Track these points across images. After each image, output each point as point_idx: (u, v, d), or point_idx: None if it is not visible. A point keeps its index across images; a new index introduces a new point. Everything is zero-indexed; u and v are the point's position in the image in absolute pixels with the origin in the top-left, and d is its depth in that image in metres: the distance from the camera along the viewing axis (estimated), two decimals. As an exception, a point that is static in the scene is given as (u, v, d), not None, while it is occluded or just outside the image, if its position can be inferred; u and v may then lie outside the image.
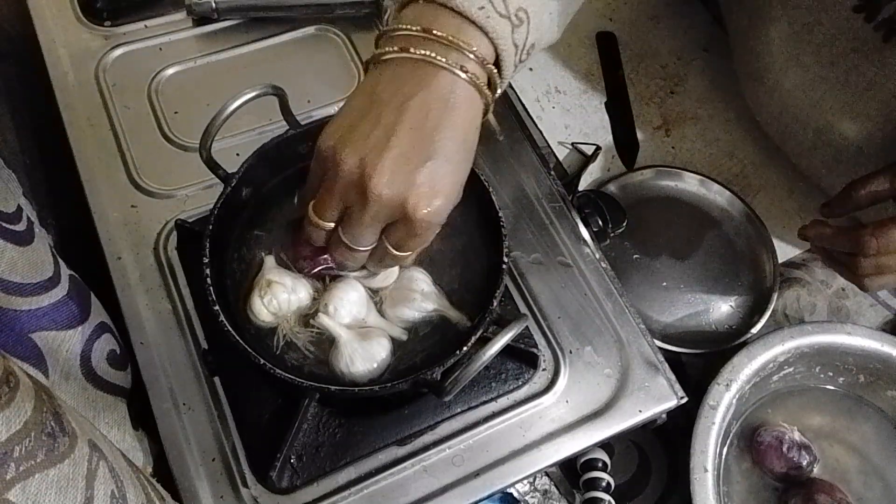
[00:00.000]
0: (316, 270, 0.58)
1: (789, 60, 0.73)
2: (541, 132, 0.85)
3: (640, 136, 0.86)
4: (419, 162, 0.45)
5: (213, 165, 0.57)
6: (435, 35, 0.46)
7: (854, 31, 0.65)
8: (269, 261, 0.58)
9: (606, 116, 0.87)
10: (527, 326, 0.62)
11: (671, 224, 0.80)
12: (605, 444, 0.64)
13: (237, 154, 0.67)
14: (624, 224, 0.71)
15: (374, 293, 0.59)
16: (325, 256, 0.58)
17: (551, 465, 0.59)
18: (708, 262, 0.78)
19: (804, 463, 0.68)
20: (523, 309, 0.64)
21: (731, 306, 0.76)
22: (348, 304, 0.56)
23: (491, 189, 0.58)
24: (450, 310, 0.58)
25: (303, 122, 0.61)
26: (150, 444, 0.57)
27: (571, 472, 0.69)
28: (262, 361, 0.51)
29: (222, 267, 0.59)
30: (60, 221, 0.65)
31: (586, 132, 0.86)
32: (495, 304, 0.54)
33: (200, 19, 0.77)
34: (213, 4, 0.75)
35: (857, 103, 0.69)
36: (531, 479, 0.69)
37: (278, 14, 0.77)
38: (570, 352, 0.62)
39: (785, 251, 0.80)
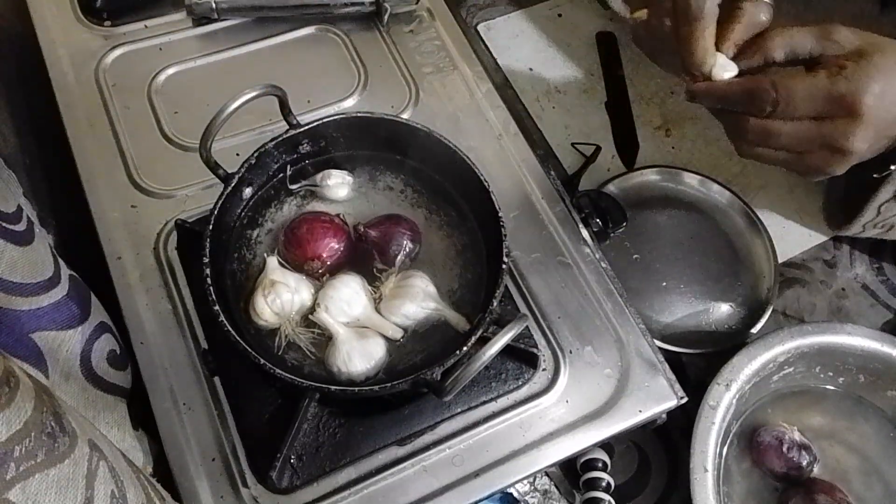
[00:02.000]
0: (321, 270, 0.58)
1: None
2: (541, 132, 0.85)
3: (640, 136, 0.86)
4: None
5: (213, 165, 0.57)
6: None
7: (852, 1, 0.65)
8: (272, 261, 0.58)
9: (606, 116, 0.87)
10: (527, 326, 0.62)
11: (671, 224, 0.80)
12: (605, 444, 0.64)
13: (237, 154, 0.67)
14: (624, 224, 0.71)
15: (373, 291, 0.59)
16: (325, 254, 0.58)
17: (551, 465, 0.59)
18: (708, 262, 0.78)
19: (804, 463, 0.68)
20: (523, 309, 0.64)
21: (731, 306, 0.76)
22: (339, 301, 0.56)
23: (491, 189, 0.58)
24: (449, 311, 0.58)
25: (303, 123, 0.61)
26: (150, 444, 0.57)
27: (571, 472, 0.69)
28: (263, 361, 0.51)
29: (222, 267, 0.59)
30: (60, 221, 0.65)
31: (586, 132, 0.86)
32: (495, 304, 0.54)
33: (200, 19, 0.77)
34: (213, 4, 0.75)
35: None
36: (531, 479, 0.69)
37: (278, 14, 0.77)
38: (570, 352, 0.62)
39: (785, 251, 0.80)
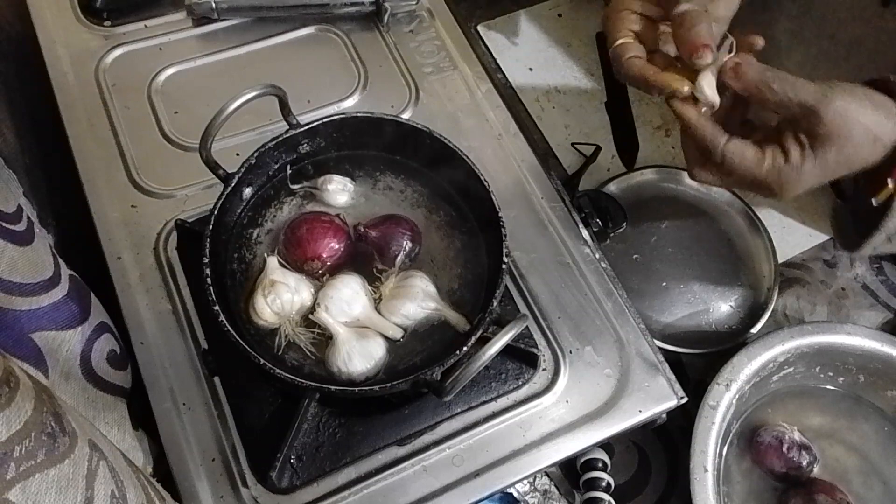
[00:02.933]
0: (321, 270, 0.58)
1: (793, 38, 0.73)
2: (541, 132, 0.85)
3: (640, 136, 0.86)
4: None
5: (213, 165, 0.57)
6: None
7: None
8: (272, 261, 0.58)
9: (606, 116, 0.87)
10: (527, 326, 0.62)
11: (671, 224, 0.80)
12: (605, 444, 0.64)
13: (237, 154, 0.67)
14: (624, 224, 0.71)
15: (373, 291, 0.59)
16: (325, 254, 0.58)
17: (551, 465, 0.59)
18: (708, 262, 0.78)
19: (804, 463, 0.68)
20: (523, 309, 0.64)
21: (731, 306, 0.76)
22: (339, 301, 0.56)
23: (491, 189, 0.58)
24: (449, 311, 0.58)
25: (303, 123, 0.61)
26: (150, 444, 0.57)
27: (571, 472, 0.69)
28: (262, 361, 0.51)
29: (222, 267, 0.59)
30: (60, 221, 0.65)
31: (586, 132, 0.86)
32: (495, 304, 0.54)
33: (200, 19, 0.77)
34: (213, 4, 0.75)
35: (857, 80, 0.69)
36: (531, 479, 0.69)
37: (278, 14, 0.77)
38: (570, 352, 0.62)
39: (785, 251, 0.80)
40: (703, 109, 0.57)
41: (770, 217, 0.81)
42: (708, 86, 0.56)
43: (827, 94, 0.54)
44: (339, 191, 0.62)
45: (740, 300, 0.77)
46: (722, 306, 0.76)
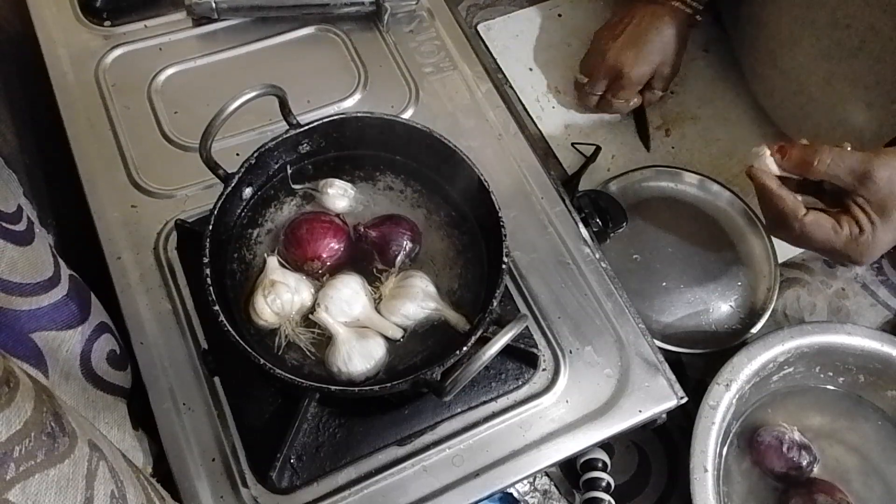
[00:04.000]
0: (323, 270, 0.58)
1: (804, 29, 0.73)
2: (541, 132, 0.85)
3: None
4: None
5: (213, 165, 0.57)
6: None
7: None
8: (272, 261, 0.58)
9: (606, 116, 0.87)
10: (527, 326, 0.62)
11: (671, 224, 0.80)
12: (605, 444, 0.64)
13: (237, 154, 0.67)
14: (624, 224, 0.71)
15: (373, 291, 0.59)
16: (325, 254, 0.58)
17: (551, 465, 0.59)
18: (708, 262, 0.78)
19: (804, 463, 0.68)
20: (523, 309, 0.64)
21: (731, 306, 0.76)
22: (339, 301, 0.56)
23: (491, 189, 0.58)
24: (449, 311, 0.58)
25: (303, 123, 0.61)
26: (150, 444, 0.57)
27: (571, 472, 0.69)
28: (262, 361, 0.51)
29: (222, 267, 0.59)
30: (60, 221, 0.65)
31: (586, 132, 0.86)
32: (495, 304, 0.54)
33: (200, 19, 0.77)
34: (213, 4, 0.75)
35: (872, 71, 0.69)
36: (531, 479, 0.69)
37: (278, 14, 0.77)
38: (570, 352, 0.62)
39: (785, 251, 0.80)
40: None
41: (770, 217, 0.81)
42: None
43: (872, 159, 0.58)
44: (339, 195, 0.62)
45: (740, 300, 0.77)
46: (722, 306, 0.76)
